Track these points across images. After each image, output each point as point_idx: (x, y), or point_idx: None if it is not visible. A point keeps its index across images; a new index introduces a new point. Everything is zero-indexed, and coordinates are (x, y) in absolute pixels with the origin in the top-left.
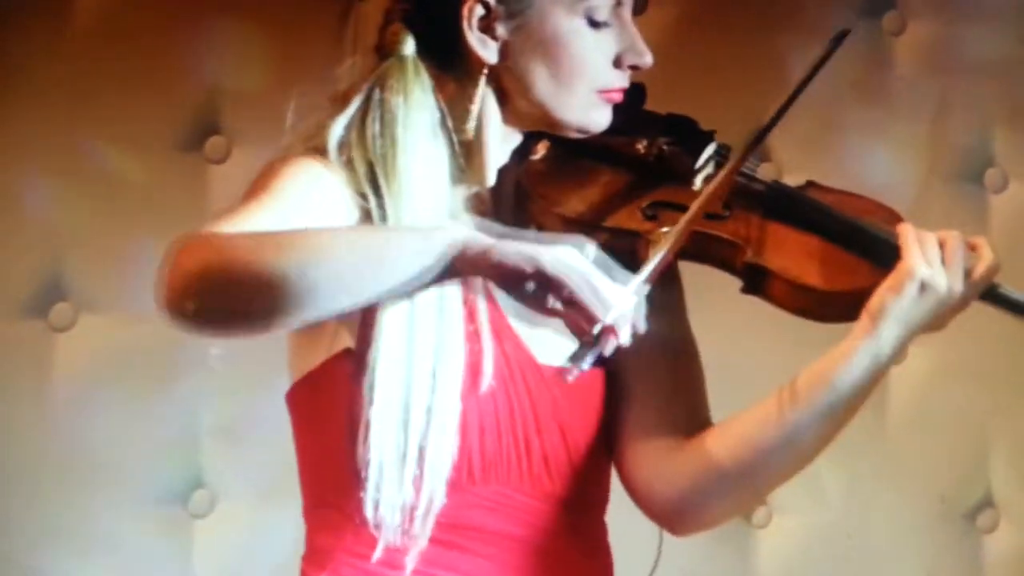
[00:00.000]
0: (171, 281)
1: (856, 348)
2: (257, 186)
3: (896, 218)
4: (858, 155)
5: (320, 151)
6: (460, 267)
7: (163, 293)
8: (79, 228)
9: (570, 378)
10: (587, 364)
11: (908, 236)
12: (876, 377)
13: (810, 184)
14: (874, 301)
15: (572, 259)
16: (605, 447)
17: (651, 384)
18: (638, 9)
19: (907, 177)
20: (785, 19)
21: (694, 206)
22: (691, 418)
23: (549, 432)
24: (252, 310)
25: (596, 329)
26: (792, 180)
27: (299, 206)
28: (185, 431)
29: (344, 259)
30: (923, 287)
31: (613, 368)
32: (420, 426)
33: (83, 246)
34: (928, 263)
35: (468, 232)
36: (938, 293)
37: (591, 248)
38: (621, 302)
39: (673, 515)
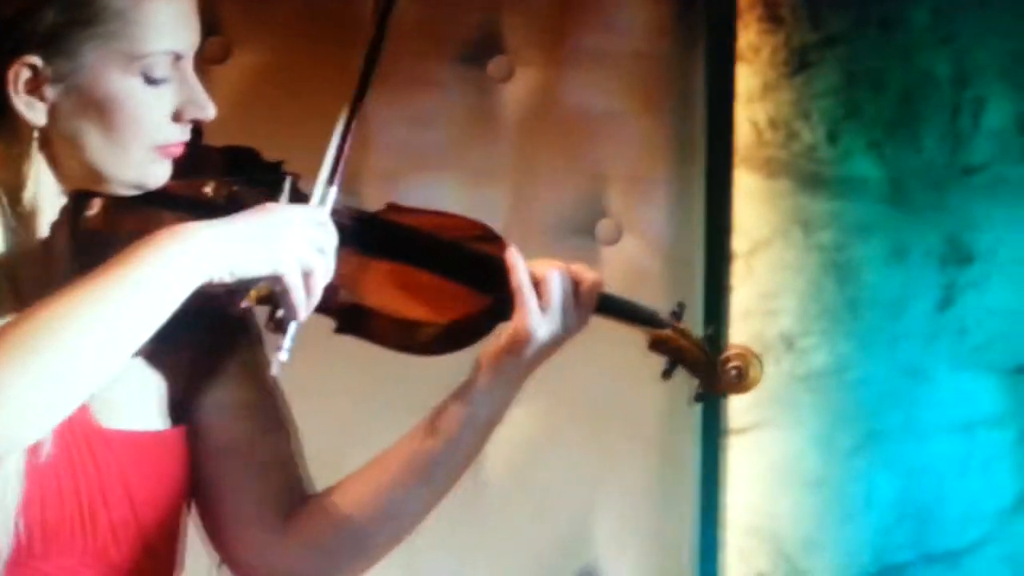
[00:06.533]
0: None
1: (473, 399)
2: None
3: (488, 233)
4: (462, 202)
5: None
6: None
7: None
8: None
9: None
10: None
11: (522, 289)
12: (497, 420)
13: (392, 207)
14: (491, 356)
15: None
16: (182, 512)
17: (239, 462)
18: (218, 57)
19: (517, 228)
20: (380, 69)
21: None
22: (290, 494)
23: (117, 501)
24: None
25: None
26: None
27: None
28: None
29: (90, 332)
30: (542, 342)
31: (202, 430)
32: None
33: None
34: (544, 314)
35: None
36: (555, 337)
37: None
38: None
39: None
